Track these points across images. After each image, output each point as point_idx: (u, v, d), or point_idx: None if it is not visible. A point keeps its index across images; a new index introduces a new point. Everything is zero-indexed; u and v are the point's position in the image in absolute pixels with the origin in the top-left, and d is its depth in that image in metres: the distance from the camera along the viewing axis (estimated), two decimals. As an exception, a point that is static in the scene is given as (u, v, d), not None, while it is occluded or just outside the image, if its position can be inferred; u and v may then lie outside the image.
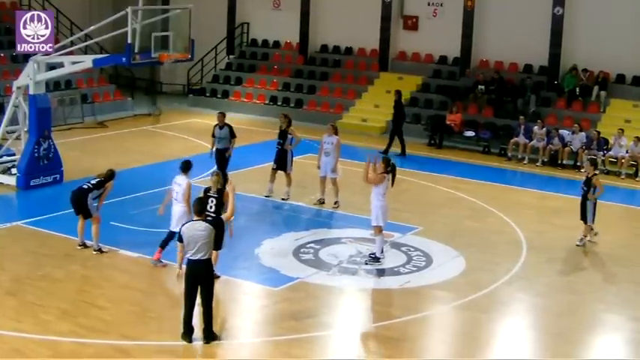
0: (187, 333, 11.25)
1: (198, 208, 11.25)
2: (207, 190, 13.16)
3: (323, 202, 18.19)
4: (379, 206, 14.54)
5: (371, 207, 14.67)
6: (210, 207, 12.81)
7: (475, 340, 12.08)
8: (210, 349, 11.40)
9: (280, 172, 18.41)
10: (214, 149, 18.75)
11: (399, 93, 24.75)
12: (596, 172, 16.44)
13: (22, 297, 12.70)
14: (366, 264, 14.61)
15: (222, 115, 19.13)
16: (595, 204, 16.16)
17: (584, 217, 16.24)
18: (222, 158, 18.65)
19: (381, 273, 14.37)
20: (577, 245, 16.19)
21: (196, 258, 10.97)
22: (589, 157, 17.84)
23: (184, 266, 11.31)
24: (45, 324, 11.69)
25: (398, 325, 12.35)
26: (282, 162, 18.35)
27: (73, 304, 12.46)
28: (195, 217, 11.21)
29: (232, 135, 18.74)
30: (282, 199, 18.30)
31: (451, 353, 11.76)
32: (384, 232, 14.83)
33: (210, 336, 11.26)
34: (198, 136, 23.94)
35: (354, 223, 16.89)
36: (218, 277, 13.28)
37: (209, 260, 11.09)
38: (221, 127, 18.71)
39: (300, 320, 12.27)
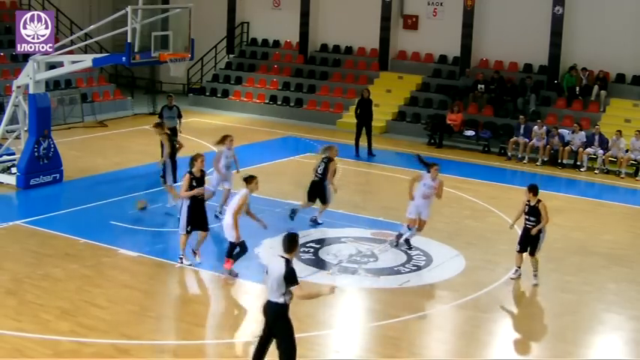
0: None
1: (287, 245, 9.43)
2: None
3: None
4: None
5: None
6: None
7: (475, 340, 12.08)
8: (210, 348, 11.41)
9: None
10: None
11: (368, 91, 24.44)
12: (539, 198, 13.90)
13: (22, 296, 12.69)
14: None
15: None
16: (544, 233, 14.00)
17: (528, 248, 13.98)
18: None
19: (381, 272, 14.38)
20: (511, 278, 14.21)
21: (269, 299, 9.40)
22: (530, 184, 14.12)
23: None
24: (45, 323, 11.68)
25: (398, 324, 12.35)
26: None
27: (73, 303, 12.45)
28: (284, 254, 9.43)
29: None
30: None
31: (451, 353, 11.75)
32: (384, 231, 14.85)
33: None
34: (198, 136, 23.90)
35: (353, 223, 16.88)
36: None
37: (283, 306, 9.29)
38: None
39: (300, 320, 12.24)
